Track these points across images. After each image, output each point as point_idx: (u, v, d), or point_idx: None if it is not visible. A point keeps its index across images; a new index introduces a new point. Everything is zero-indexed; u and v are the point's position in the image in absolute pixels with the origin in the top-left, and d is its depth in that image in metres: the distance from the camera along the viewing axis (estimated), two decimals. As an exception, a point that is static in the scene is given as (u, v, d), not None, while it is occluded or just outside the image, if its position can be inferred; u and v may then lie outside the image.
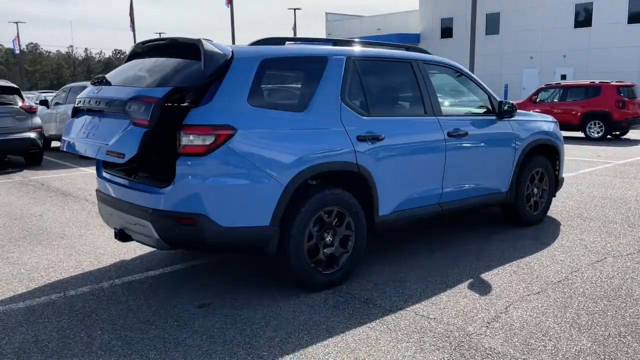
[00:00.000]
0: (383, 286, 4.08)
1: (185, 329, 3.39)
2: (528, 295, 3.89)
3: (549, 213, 6.23)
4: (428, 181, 4.63)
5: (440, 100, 4.90)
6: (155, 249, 4.48)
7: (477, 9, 32.13)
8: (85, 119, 4.09)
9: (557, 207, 6.58)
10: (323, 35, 47.05)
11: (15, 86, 11.06)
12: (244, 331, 3.36)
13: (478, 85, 5.27)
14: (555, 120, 6.16)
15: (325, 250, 3.97)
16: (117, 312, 3.66)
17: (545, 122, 5.89)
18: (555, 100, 16.72)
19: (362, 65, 4.32)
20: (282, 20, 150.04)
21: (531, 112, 6.56)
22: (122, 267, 4.58)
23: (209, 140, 3.43)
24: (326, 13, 47.63)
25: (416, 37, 38.71)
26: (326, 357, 3.04)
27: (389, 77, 4.65)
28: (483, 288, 4.03)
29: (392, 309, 3.67)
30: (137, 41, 4.41)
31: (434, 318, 3.51)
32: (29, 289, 4.12)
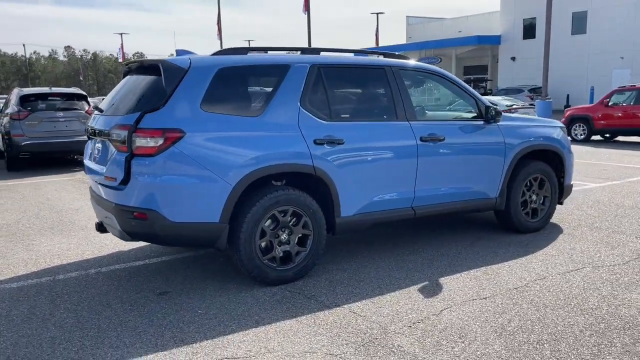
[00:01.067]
0: (336, 284, 4.23)
1: (134, 313, 3.76)
2: (473, 299, 3.89)
3: (557, 221, 6.04)
4: (397, 185, 4.70)
5: (420, 105, 4.96)
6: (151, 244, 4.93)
7: (563, 8, 30.72)
8: (94, 143, 4.60)
9: (572, 215, 6.34)
10: (403, 39, 46.82)
11: (84, 93, 12.18)
12: (183, 317, 3.67)
13: (464, 91, 5.25)
14: (562, 125, 5.95)
15: (280, 248, 4.20)
16: (86, 295, 4.11)
17: (546, 128, 5.73)
18: (631, 103, 15.70)
19: (328, 72, 4.50)
20: (365, 24, 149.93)
21: (535, 117, 6.36)
22: (115, 257, 5.06)
23: (158, 142, 3.79)
24: (407, 16, 47.38)
25: (497, 39, 37.49)
26: (240, 344, 3.28)
27: (357, 83, 4.79)
28: (433, 291, 4.07)
29: (330, 305, 3.83)
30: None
31: (364, 316, 3.63)
32: (28, 272, 4.69)
